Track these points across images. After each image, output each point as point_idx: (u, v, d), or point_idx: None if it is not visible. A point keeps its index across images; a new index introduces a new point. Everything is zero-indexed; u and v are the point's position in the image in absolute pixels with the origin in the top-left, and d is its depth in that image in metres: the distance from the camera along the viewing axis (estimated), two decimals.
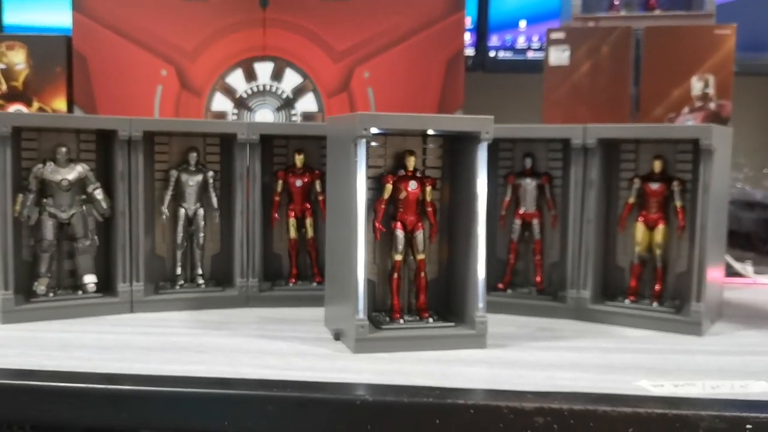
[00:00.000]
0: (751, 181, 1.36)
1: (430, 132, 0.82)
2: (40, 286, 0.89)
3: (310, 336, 0.81)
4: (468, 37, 1.52)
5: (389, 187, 0.80)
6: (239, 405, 0.61)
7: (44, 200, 0.89)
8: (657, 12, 1.18)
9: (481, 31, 1.57)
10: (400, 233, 0.81)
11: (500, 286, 0.98)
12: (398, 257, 0.81)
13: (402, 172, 0.81)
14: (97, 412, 0.62)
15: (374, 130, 0.77)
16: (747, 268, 1.23)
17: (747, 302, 1.04)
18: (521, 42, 1.55)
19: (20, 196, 0.87)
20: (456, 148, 0.83)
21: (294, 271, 1.01)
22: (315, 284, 1.00)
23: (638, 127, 0.95)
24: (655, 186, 0.91)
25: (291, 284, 1.00)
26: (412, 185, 0.80)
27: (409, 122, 0.77)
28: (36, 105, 1.28)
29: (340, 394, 0.61)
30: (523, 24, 1.55)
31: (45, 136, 0.91)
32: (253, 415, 0.61)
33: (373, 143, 0.82)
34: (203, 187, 0.98)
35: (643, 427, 0.58)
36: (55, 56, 1.28)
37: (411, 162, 0.81)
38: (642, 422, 0.58)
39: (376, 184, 0.82)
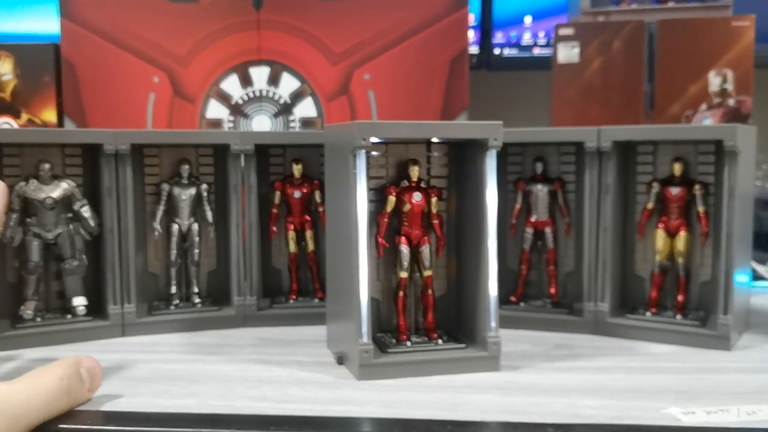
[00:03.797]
0: None
1: (435, 139, 0.77)
2: (27, 310, 0.85)
3: (310, 360, 0.76)
4: (472, 35, 1.46)
5: (392, 199, 0.75)
6: None
7: (28, 220, 0.84)
8: (671, 4, 1.12)
9: (485, 28, 1.52)
10: (404, 248, 0.75)
11: (512, 298, 0.93)
12: (403, 274, 0.76)
13: (405, 183, 0.76)
14: None
15: (374, 139, 0.72)
16: None
17: None
18: (527, 38, 1.50)
19: (2, 216, 0.82)
20: (462, 156, 0.78)
21: (294, 286, 0.96)
22: (317, 300, 0.95)
23: (657, 129, 0.90)
24: (675, 190, 0.85)
25: (291, 301, 0.95)
26: (417, 197, 0.75)
27: (412, 130, 0.71)
28: (25, 117, 1.24)
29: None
30: (528, 20, 1.50)
31: (28, 152, 0.86)
32: None
33: (374, 153, 0.77)
34: (197, 200, 0.93)
35: None
36: (44, 65, 1.24)
37: (415, 172, 0.75)
38: None
39: (377, 195, 0.77)
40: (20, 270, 0.85)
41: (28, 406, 0.55)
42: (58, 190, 0.85)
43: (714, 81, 1.07)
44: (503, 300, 0.93)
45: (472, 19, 1.45)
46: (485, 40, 1.53)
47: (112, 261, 0.87)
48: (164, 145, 0.93)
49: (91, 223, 0.86)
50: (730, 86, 1.06)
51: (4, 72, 1.23)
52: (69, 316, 0.87)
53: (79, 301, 0.87)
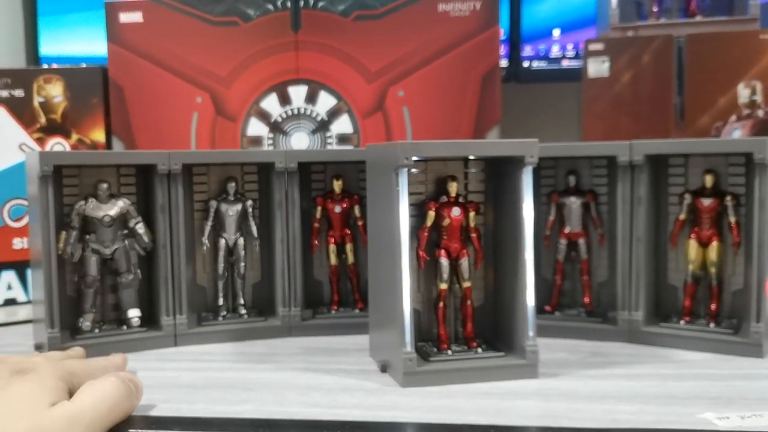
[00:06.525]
0: None
1: (472, 156, 0.80)
2: (86, 322, 0.90)
3: (355, 368, 0.79)
4: (501, 49, 1.49)
5: (432, 214, 0.79)
6: None
7: (87, 237, 0.89)
8: (698, 18, 1.15)
9: (514, 41, 1.55)
10: (444, 261, 0.79)
11: (547, 308, 0.96)
12: (443, 286, 0.79)
13: (444, 198, 0.80)
14: None
15: (415, 158, 0.75)
16: None
17: None
18: (555, 51, 1.53)
19: (63, 234, 0.88)
20: (498, 171, 0.81)
21: (335, 297, 1.00)
22: (357, 311, 0.98)
23: (688, 142, 0.92)
24: (707, 202, 0.87)
25: (333, 311, 0.99)
26: (456, 211, 0.79)
27: (450, 149, 0.75)
28: (75, 137, 1.29)
29: None
30: (556, 33, 1.53)
31: (86, 173, 0.91)
32: None
33: (414, 170, 0.80)
34: (243, 216, 0.97)
35: None
36: (92, 87, 1.29)
37: (453, 188, 0.79)
38: None
39: (417, 210, 0.80)
40: (79, 284, 0.90)
41: (98, 414, 0.58)
42: (115, 208, 0.90)
43: (743, 93, 1.08)
44: (538, 309, 0.95)
45: (501, 33, 1.48)
46: (514, 53, 1.56)
47: (165, 275, 0.91)
48: (212, 164, 0.98)
49: (146, 239, 0.91)
50: (759, 98, 1.08)
51: (55, 94, 1.29)
52: (124, 327, 0.92)
53: (134, 313, 0.92)
